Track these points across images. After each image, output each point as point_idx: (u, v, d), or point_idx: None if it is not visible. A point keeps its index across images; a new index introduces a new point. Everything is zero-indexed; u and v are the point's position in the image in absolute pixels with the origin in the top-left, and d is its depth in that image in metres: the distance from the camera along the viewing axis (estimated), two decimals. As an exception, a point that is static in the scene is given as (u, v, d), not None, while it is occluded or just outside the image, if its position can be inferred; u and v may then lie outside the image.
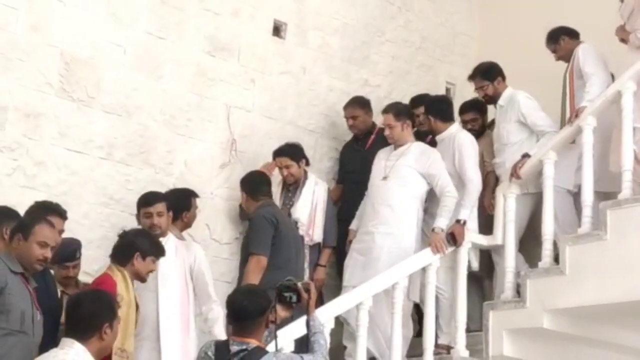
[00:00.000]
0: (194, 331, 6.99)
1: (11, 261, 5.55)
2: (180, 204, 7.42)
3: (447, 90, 9.72)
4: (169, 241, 6.97)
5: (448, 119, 8.18)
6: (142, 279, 6.45)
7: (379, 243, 7.74)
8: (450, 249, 7.62)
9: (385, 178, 7.89)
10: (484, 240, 7.87)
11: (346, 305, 7.13)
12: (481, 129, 8.51)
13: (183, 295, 6.92)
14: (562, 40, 8.33)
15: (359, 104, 8.67)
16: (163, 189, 7.60)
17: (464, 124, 8.48)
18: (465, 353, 7.50)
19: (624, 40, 8.04)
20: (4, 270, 5.48)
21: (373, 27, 9.42)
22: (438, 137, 8.15)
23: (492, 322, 7.46)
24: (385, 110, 8.14)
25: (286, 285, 5.72)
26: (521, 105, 8.09)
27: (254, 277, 7.34)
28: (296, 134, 8.63)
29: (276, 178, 8.20)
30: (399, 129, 7.98)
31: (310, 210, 8.11)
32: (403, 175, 7.86)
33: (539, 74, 8.62)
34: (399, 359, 7.23)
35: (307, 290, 5.69)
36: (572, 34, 8.33)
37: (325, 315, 6.62)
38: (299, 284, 5.73)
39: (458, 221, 7.66)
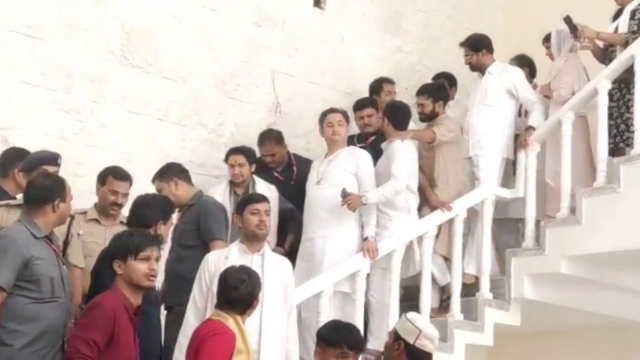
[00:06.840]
0: None
1: (33, 226, 5.39)
2: None
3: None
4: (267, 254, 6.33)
5: (401, 128, 7.86)
6: None
7: (319, 247, 7.48)
8: (381, 254, 7.41)
9: (319, 182, 7.64)
10: (507, 193, 8.07)
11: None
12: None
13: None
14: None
15: (275, 139, 8.18)
16: (215, 148, 8.04)
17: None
18: None
19: (547, 97, 8.34)
20: (27, 238, 5.33)
21: (406, -2, 9.71)
22: (384, 144, 7.88)
23: (514, 267, 7.75)
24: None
25: None
26: (516, 77, 8.26)
27: None
28: (335, 97, 8.95)
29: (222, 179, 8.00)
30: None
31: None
32: (336, 177, 7.57)
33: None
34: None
35: None
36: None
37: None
38: None
39: (366, 238, 7.48)
